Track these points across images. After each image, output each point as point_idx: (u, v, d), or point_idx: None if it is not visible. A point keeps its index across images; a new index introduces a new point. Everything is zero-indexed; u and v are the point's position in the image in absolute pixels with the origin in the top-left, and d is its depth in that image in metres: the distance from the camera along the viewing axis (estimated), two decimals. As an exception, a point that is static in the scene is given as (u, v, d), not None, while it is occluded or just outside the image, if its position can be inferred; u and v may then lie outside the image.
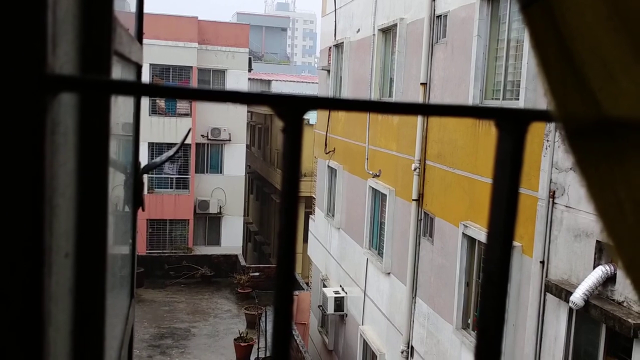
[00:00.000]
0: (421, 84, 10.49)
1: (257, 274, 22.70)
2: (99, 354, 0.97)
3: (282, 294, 0.47)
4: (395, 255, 11.83)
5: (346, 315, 14.67)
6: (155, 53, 24.77)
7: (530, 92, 7.40)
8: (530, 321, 7.31)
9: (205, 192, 27.14)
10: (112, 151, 1.06)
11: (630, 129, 0.42)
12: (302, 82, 35.25)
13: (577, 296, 6.08)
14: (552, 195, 6.94)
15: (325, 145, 16.23)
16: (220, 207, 27.28)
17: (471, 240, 8.92)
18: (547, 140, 7.04)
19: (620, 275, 5.92)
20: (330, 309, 14.64)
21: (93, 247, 0.91)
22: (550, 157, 6.98)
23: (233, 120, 27.05)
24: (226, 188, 27.40)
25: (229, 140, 27.16)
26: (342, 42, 15.17)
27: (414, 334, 10.81)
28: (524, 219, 7.36)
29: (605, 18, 0.42)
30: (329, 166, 16.23)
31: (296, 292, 18.29)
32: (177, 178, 26.87)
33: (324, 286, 16.01)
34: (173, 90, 0.48)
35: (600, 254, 6.24)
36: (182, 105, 26.02)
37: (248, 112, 30.04)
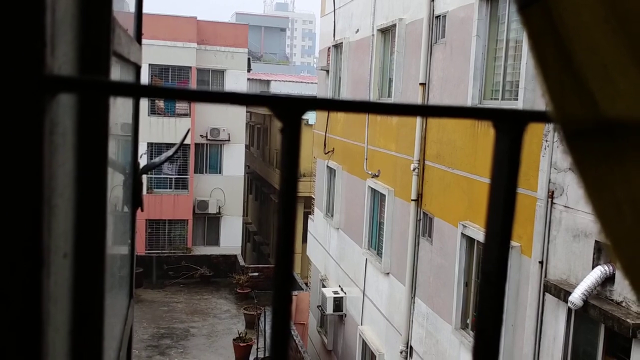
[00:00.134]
0: (420, 84, 10.49)
1: (256, 274, 22.68)
2: (98, 354, 0.97)
3: (280, 294, 0.47)
4: (394, 256, 11.83)
5: (345, 315, 14.66)
6: (154, 53, 24.75)
7: (529, 92, 7.41)
8: (529, 321, 7.31)
9: (204, 192, 27.13)
10: (111, 151, 1.06)
11: (630, 129, 0.42)
12: (301, 82, 35.20)
13: (576, 296, 6.08)
14: (551, 195, 6.94)
15: (325, 145, 16.22)
16: (219, 207, 27.27)
17: (470, 240, 8.92)
18: (546, 141, 7.04)
19: (619, 276, 5.92)
20: (329, 309, 14.63)
21: (92, 247, 0.91)
22: (549, 157, 6.98)
23: (232, 121, 27.05)
24: (225, 188, 27.39)
25: (228, 140, 27.15)
26: (341, 43, 15.16)
27: (413, 334, 10.81)
28: (523, 219, 7.36)
29: (603, 19, 0.42)
30: (328, 166, 16.22)
31: (295, 292, 18.28)
32: (176, 178, 26.86)
33: (323, 286, 16.00)
34: (172, 91, 0.48)
35: (599, 254, 6.24)
36: (181, 106, 26.00)
37: (247, 112, 30.05)
